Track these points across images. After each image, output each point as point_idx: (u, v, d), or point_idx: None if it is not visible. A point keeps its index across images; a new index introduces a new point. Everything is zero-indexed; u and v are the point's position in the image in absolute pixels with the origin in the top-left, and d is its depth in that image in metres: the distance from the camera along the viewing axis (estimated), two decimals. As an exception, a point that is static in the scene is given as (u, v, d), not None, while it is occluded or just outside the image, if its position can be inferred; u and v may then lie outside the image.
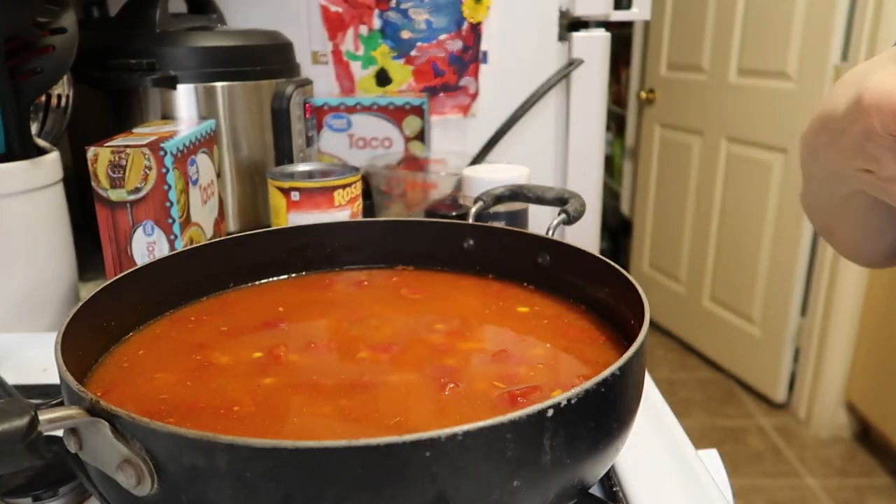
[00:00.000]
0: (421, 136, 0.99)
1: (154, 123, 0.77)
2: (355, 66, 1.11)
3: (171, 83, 0.80)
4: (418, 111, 0.98)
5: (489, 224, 0.64)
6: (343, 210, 0.72)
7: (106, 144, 0.63)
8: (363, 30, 1.09)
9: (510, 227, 0.54)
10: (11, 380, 0.50)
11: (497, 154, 0.95)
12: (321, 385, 0.39)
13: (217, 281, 0.52)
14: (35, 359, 0.55)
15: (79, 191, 0.88)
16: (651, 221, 2.71)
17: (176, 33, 0.83)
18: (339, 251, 0.56)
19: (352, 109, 0.98)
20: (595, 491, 0.41)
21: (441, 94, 1.12)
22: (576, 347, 0.44)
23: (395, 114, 0.98)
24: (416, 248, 0.56)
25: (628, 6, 1.24)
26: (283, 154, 0.89)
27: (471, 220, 0.57)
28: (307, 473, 0.26)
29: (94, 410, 0.28)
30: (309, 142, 0.95)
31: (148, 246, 0.65)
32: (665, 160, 2.59)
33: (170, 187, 0.64)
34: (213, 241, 0.52)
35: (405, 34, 1.09)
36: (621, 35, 2.87)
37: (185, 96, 0.82)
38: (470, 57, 1.11)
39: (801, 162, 0.45)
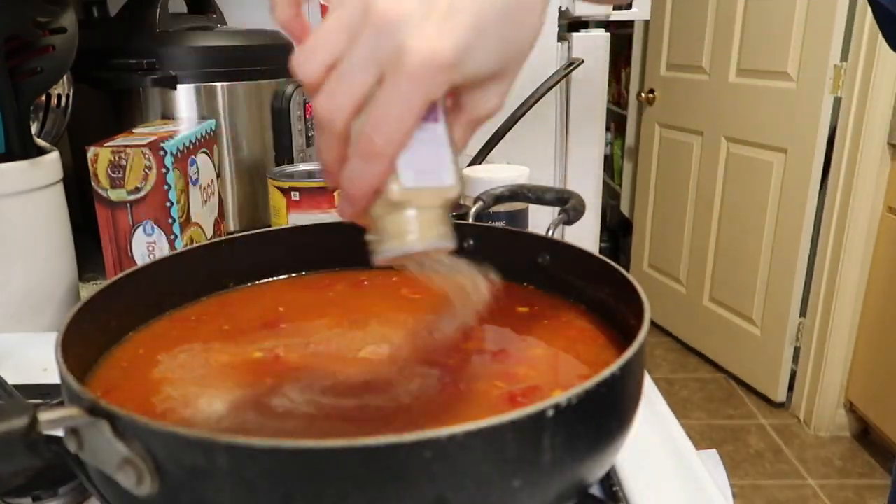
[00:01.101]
0: (421, 136, 0.99)
1: (154, 123, 0.77)
2: (355, 66, 1.11)
3: (171, 83, 0.80)
4: (418, 111, 0.98)
5: (489, 224, 0.64)
6: (343, 210, 0.72)
7: (106, 144, 0.63)
8: (363, 30, 1.09)
9: (510, 227, 0.54)
10: (11, 380, 0.50)
11: (497, 154, 0.94)
12: (321, 385, 0.39)
13: (217, 281, 0.52)
14: (35, 359, 0.55)
15: (79, 191, 0.88)
16: (651, 221, 2.71)
17: (176, 33, 0.83)
18: (339, 251, 0.56)
19: (352, 109, 0.98)
20: (595, 491, 0.41)
21: (441, 94, 1.12)
22: (576, 347, 0.44)
23: (395, 114, 0.98)
24: (416, 248, 0.56)
25: (628, 6, 1.24)
26: (283, 154, 0.89)
27: (471, 220, 0.57)
28: (307, 473, 0.26)
29: (94, 410, 0.28)
30: (309, 142, 0.95)
31: (148, 246, 0.65)
32: (665, 160, 2.59)
33: (170, 187, 0.64)
34: (213, 241, 0.52)
35: (405, 34, 1.09)
36: (621, 35, 2.87)
37: (185, 96, 0.82)
38: (470, 57, 1.11)
39: None
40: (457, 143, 0.31)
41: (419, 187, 0.29)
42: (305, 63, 0.28)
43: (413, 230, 0.29)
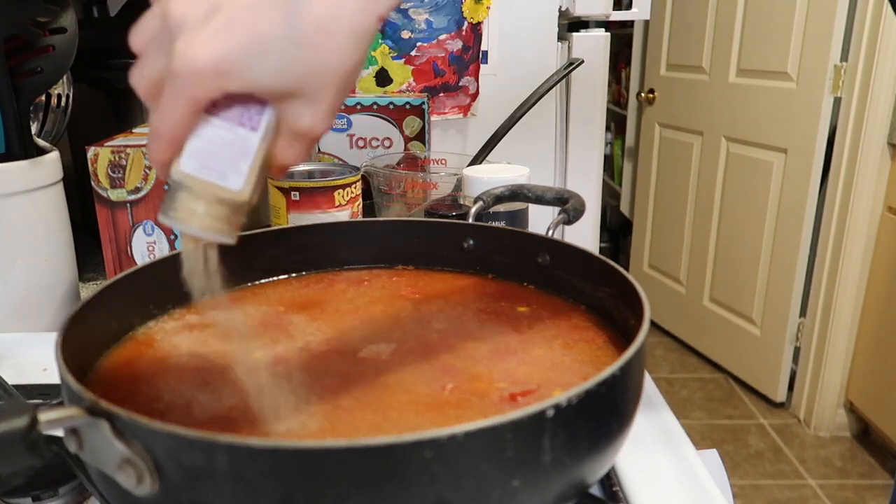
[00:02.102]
0: (421, 136, 0.99)
1: (154, 123, 0.77)
2: (355, 66, 1.10)
3: (171, 83, 0.80)
4: (418, 111, 0.98)
5: (489, 224, 0.64)
6: (343, 210, 0.72)
7: (106, 144, 0.63)
8: (363, 30, 1.09)
9: (510, 227, 0.54)
10: (11, 380, 0.50)
11: (497, 154, 0.95)
12: (321, 385, 0.39)
13: (217, 281, 0.52)
14: (35, 359, 0.55)
15: (79, 191, 0.88)
16: (651, 221, 2.71)
17: (176, 33, 0.83)
18: (339, 251, 0.56)
19: (352, 109, 0.98)
20: (595, 491, 0.41)
21: (441, 94, 1.12)
22: (576, 347, 0.44)
23: (395, 114, 0.98)
24: (416, 248, 0.56)
25: (628, 6, 1.24)
26: (283, 154, 0.88)
27: (471, 220, 0.57)
28: (307, 473, 0.26)
29: (94, 410, 0.28)
30: (309, 142, 0.94)
31: (148, 246, 0.65)
32: (665, 160, 2.59)
33: (170, 187, 0.64)
34: (213, 241, 0.52)
35: (405, 34, 1.09)
36: (621, 35, 2.87)
37: (185, 96, 0.82)
38: (470, 57, 1.11)
39: None
40: (282, 155, 0.32)
41: (198, 177, 0.31)
42: (133, 35, 0.32)
43: (183, 211, 0.32)
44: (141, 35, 0.31)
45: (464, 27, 1.09)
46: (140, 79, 0.31)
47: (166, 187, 0.32)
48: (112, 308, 0.43)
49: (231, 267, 0.52)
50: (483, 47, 1.11)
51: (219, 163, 0.31)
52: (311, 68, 0.30)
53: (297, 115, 0.31)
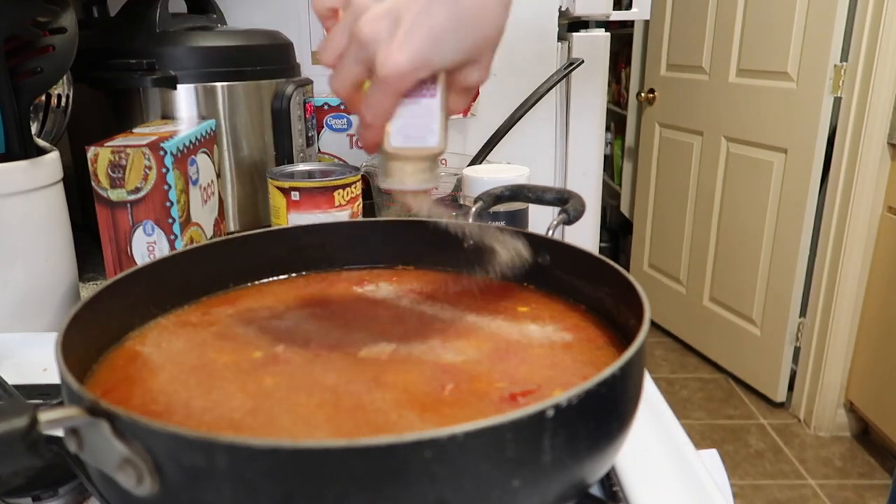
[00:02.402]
0: (421, 136, 0.99)
1: (154, 123, 0.77)
2: (355, 66, 1.10)
3: (171, 83, 0.80)
4: (418, 111, 0.98)
5: (489, 224, 0.64)
6: (343, 210, 0.72)
7: (106, 144, 0.63)
8: (363, 30, 1.09)
9: (510, 227, 0.54)
10: (11, 380, 0.50)
11: (497, 154, 0.95)
12: (321, 385, 0.39)
13: (217, 281, 0.52)
14: (35, 359, 0.55)
15: (79, 191, 0.88)
16: (651, 221, 2.71)
17: (176, 33, 0.83)
18: (339, 251, 0.56)
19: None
20: (595, 491, 0.41)
21: (441, 94, 1.12)
22: (576, 347, 0.44)
23: (395, 114, 0.98)
24: (416, 248, 0.56)
25: (628, 6, 1.24)
26: (283, 154, 0.89)
27: (471, 220, 0.57)
28: (307, 473, 0.26)
29: (94, 410, 0.28)
30: (309, 142, 0.95)
31: (148, 246, 0.65)
32: (665, 160, 2.59)
33: (170, 187, 0.64)
34: (213, 241, 0.52)
35: (405, 34, 1.09)
36: (621, 35, 2.87)
37: (185, 96, 0.82)
38: (470, 57, 1.11)
39: None
40: (455, 106, 0.42)
41: (406, 146, 0.41)
42: (323, 52, 0.40)
43: (398, 175, 0.42)
44: (330, 53, 0.39)
45: (464, 27, 1.09)
46: (341, 86, 0.40)
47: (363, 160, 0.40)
48: (112, 308, 0.43)
49: (231, 267, 0.53)
50: (483, 47, 1.11)
51: (417, 131, 0.41)
52: (476, 41, 0.39)
53: (466, 75, 0.40)
